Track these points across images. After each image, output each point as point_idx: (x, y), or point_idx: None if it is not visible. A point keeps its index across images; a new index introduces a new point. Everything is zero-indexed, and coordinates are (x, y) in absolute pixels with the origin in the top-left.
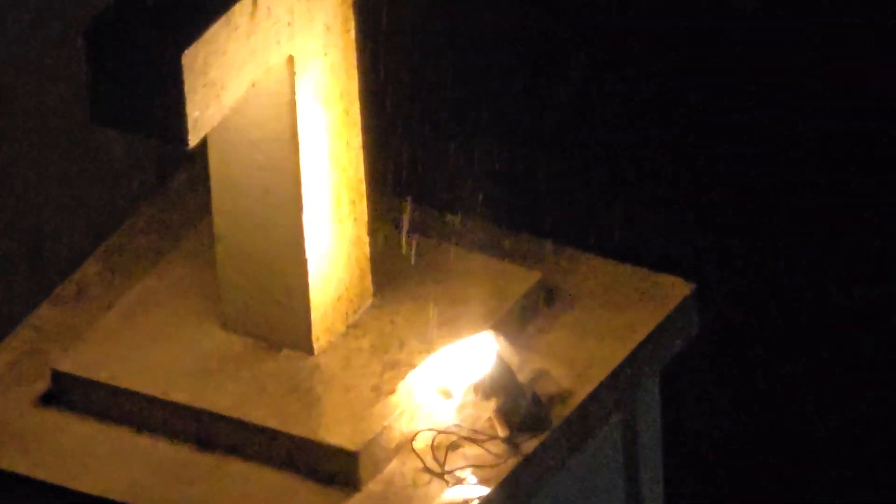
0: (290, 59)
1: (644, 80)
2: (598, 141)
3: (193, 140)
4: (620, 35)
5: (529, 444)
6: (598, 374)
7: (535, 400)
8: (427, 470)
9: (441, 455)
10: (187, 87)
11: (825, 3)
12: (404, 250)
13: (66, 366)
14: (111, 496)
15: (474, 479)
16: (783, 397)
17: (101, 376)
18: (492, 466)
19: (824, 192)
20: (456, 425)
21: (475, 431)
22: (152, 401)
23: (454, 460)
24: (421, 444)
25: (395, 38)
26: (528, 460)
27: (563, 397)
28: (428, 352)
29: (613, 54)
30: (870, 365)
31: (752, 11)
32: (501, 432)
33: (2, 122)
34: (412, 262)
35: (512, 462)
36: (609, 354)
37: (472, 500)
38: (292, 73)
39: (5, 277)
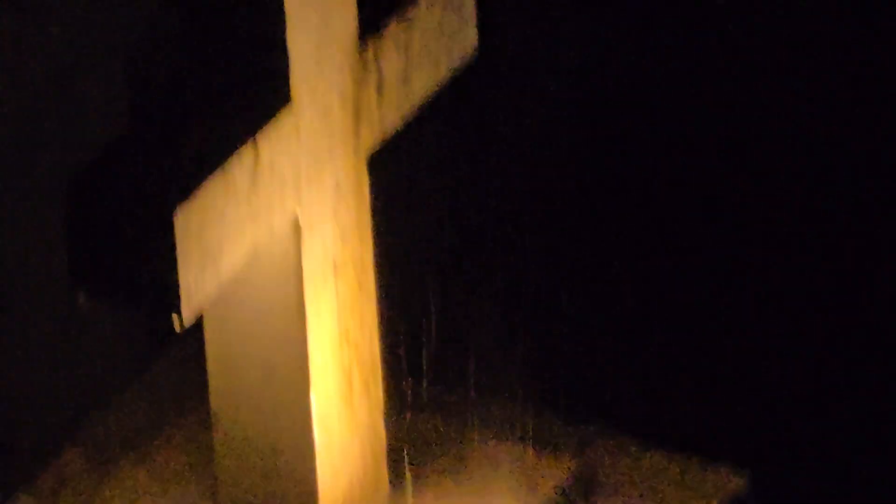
0: (297, 223)
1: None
2: (639, 321)
3: (187, 312)
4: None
5: None
6: None
7: None
8: None
9: None
10: (180, 251)
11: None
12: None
13: None
14: None
15: None
16: None
17: None
18: None
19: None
20: None
21: None
22: None
23: None
24: None
25: (412, 198)
26: None
27: None
28: None
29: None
30: None
31: None
32: None
33: None
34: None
35: None
36: None
37: None
38: (299, 238)
39: None
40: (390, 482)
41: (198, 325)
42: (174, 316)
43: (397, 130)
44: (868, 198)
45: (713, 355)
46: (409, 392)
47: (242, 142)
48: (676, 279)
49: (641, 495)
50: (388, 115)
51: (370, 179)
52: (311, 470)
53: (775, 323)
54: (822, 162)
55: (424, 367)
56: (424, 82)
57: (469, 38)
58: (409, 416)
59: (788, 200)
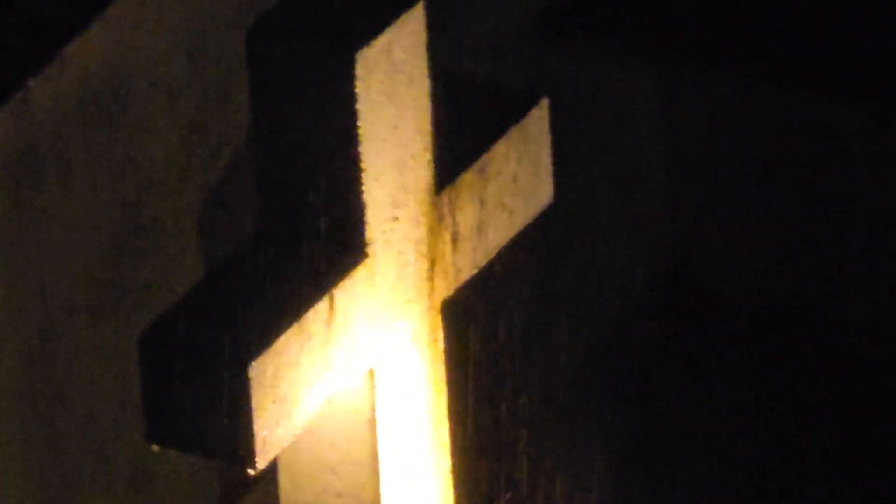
0: (371, 373)
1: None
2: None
3: (261, 463)
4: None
5: None
6: None
7: None
8: None
9: None
10: (255, 403)
11: None
12: None
13: None
14: None
15: None
16: None
17: None
18: None
19: None
20: None
21: None
22: None
23: None
24: None
25: (487, 351)
26: None
27: None
28: None
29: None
30: None
31: None
32: None
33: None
34: None
35: None
36: None
37: None
38: (373, 388)
39: None
40: None
41: (272, 477)
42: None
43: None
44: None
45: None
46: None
47: (319, 293)
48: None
49: None
50: (463, 265)
51: (444, 328)
52: None
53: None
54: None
55: None
56: (499, 233)
57: (545, 191)
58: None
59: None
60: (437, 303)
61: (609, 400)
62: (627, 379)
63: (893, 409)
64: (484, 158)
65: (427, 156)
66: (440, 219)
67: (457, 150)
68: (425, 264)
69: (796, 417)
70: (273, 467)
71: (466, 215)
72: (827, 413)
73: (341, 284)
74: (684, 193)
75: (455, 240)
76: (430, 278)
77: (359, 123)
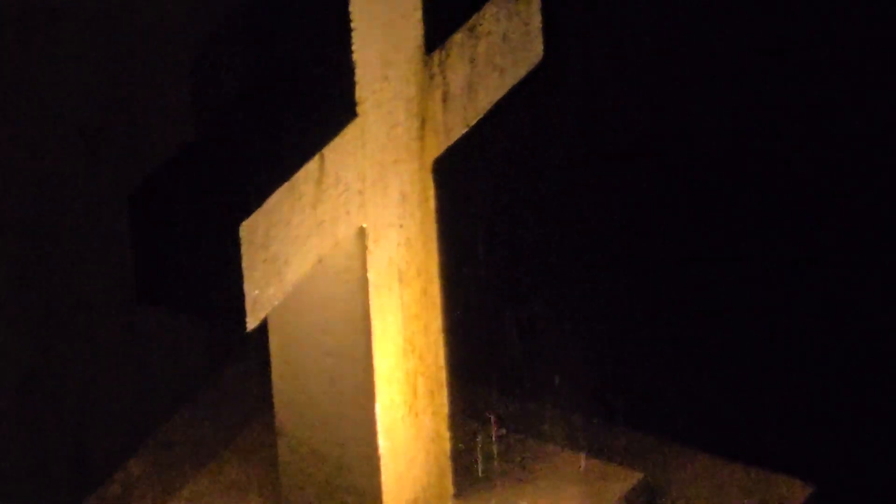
0: (362, 232)
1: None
2: (704, 334)
3: (252, 322)
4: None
5: None
6: None
7: None
8: None
9: None
10: (246, 263)
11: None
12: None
13: None
14: None
15: None
16: None
17: None
18: None
19: None
20: None
21: None
22: None
23: None
24: None
25: (478, 207)
26: None
27: None
28: None
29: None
30: None
31: None
32: None
33: (50, 319)
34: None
35: None
36: None
37: None
38: (364, 248)
39: (45, 475)
40: (455, 491)
41: (263, 335)
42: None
43: (462, 139)
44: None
45: (782, 367)
46: (474, 400)
47: (309, 153)
48: (751, 288)
49: None
50: (453, 125)
51: (435, 187)
52: (376, 479)
53: (843, 337)
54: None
55: (489, 376)
56: (490, 92)
57: (535, 50)
58: (474, 424)
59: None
60: (428, 162)
61: (601, 263)
62: (618, 237)
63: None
64: (474, 18)
65: (417, 15)
66: (431, 78)
67: (447, 9)
68: (416, 123)
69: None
70: (264, 326)
71: (457, 74)
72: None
73: (332, 144)
74: (678, 53)
75: (446, 99)
76: (421, 137)
77: None
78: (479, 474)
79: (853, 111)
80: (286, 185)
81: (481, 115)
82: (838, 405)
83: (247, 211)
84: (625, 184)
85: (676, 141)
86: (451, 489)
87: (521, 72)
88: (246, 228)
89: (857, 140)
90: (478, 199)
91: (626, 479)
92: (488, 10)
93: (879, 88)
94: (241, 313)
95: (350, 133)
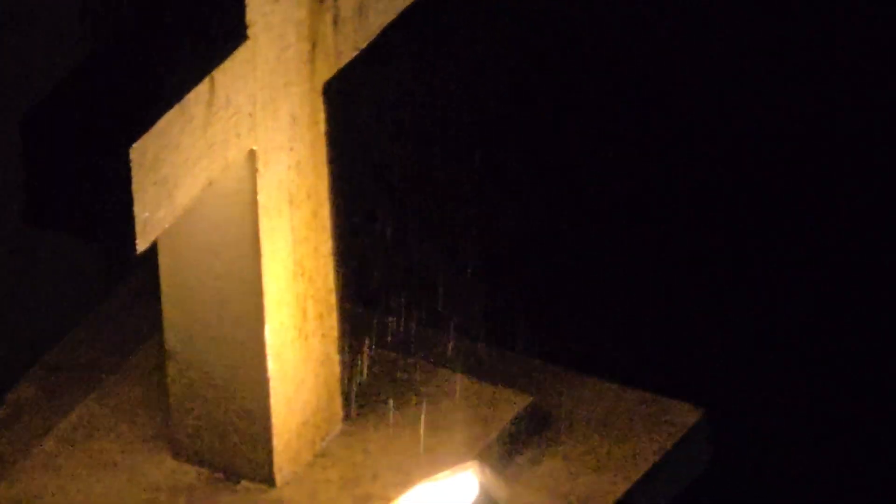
0: (252, 155)
1: (647, 199)
2: (595, 255)
3: (142, 244)
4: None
5: None
6: None
7: None
8: None
9: None
10: (135, 185)
11: None
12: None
13: None
14: None
15: None
16: None
17: None
18: None
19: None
20: None
21: None
22: None
23: None
24: None
25: (370, 128)
26: None
27: None
28: (404, 485)
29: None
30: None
31: None
32: None
33: None
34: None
35: None
36: (608, 489)
37: None
38: (254, 170)
39: None
40: (344, 414)
41: (153, 259)
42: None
43: (352, 62)
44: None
45: (671, 292)
46: (364, 323)
47: (199, 75)
48: (638, 219)
49: (597, 430)
50: (344, 48)
51: (326, 111)
52: (265, 402)
53: (735, 265)
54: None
55: (380, 299)
56: (380, 15)
57: None
58: (364, 348)
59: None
60: (319, 85)
61: (494, 182)
62: (504, 155)
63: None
64: None
65: None
66: (321, 1)
67: None
68: (306, 46)
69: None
70: (154, 249)
71: None
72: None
73: (222, 67)
74: None
75: (336, 21)
76: (311, 60)
77: None
78: (369, 398)
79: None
80: (176, 107)
81: (372, 38)
82: (728, 330)
83: (136, 133)
84: (502, 112)
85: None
86: (340, 412)
87: None
88: (136, 151)
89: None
90: (364, 123)
91: (515, 403)
92: None
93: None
94: (130, 236)
95: (240, 56)
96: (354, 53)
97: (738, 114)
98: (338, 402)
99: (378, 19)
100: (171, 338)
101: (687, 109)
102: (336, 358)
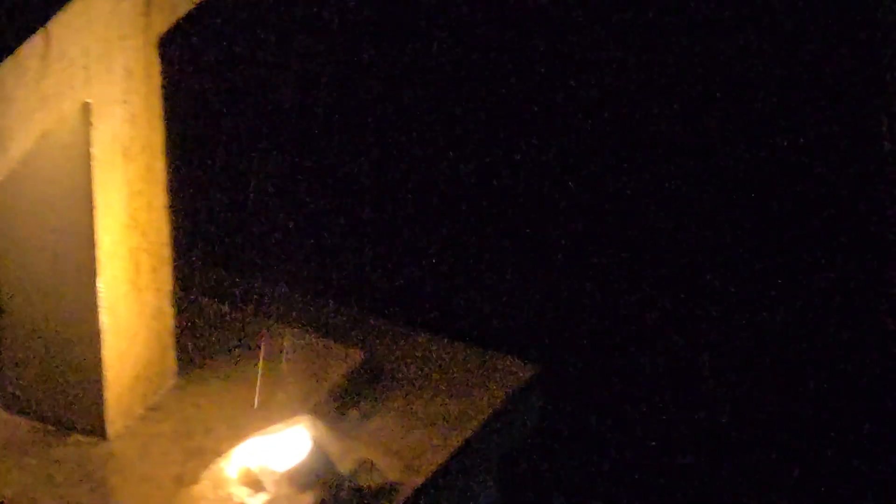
0: (86, 107)
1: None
2: (432, 211)
3: None
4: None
5: None
6: (429, 466)
7: (357, 493)
8: None
9: None
10: None
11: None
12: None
13: None
14: None
15: None
16: (638, 490)
17: None
18: None
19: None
20: None
21: None
22: None
23: None
24: None
25: (202, 84)
26: None
27: (388, 491)
28: (237, 438)
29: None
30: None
31: None
32: None
33: None
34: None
35: None
36: (441, 443)
37: None
38: (88, 123)
39: None
40: (177, 369)
41: None
42: None
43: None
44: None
45: (501, 248)
46: (198, 277)
47: (33, 28)
48: (465, 174)
49: (430, 385)
50: (179, 1)
51: (161, 65)
52: (97, 355)
53: (567, 223)
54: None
55: (213, 253)
56: None
57: None
58: (198, 301)
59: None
60: (154, 38)
61: (323, 144)
62: (345, 107)
63: None
64: None
65: None
66: None
67: None
68: (142, 0)
69: None
70: None
71: None
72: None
73: (57, 19)
74: None
75: None
76: (147, 14)
77: None
78: (203, 352)
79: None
80: (10, 59)
81: None
82: (561, 289)
83: None
84: (342, 50)
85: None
86: (173, 366)
87: None
88: None
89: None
90: (205, 73)
91: (348, 358)
92: None
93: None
94: None
95: (75, 8)
96: (190, 7)
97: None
98: (171, 356)
99: None
100: (4, 291)
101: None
102: (170, 312)
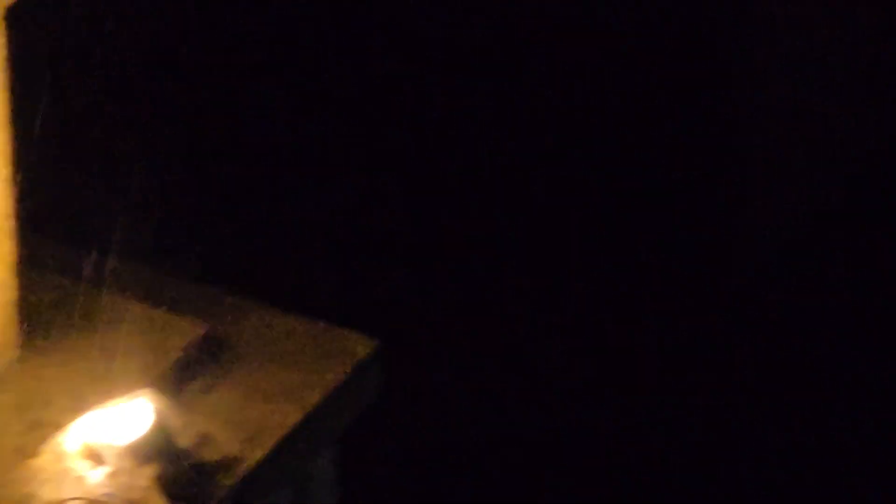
0: None
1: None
2: (274, 186)
3: None
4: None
5: None
6: (269, 440)
7: (197, 467)
8: None
9: None
10: None
11: None
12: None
13: None
14: None
15: None
16: (475, 468)
17: None
18: None
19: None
20: (108, 494)
21: (130, 501)
22: None
23: None
24: None
25: (43, 57)
26: None
27: (228, 465)
28: (77, 411)
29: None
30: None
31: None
32: (159, 502)
33: None
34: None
35: None
36: (281, 418)
37: None
38: None
39: None
40: (18, 341)
41: None
42: None
43: None
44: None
45: (344, 224)
46: (42, 250)
47: None
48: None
49: (272, 359)
50: None
51: (8, 36)
52: None
53: (405, 204)
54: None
55: (56, 226)
56: None
57: None
58: (41, 274)
59: None
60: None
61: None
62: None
63: None
64: None
65: None
66: None
67: None
68: None
69: None
70: None
71: None
72: None
73: None
74: None
75: None
76: None
77: None
78: (45, 325)
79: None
80: None
81: None
82: (402, 265)
83: None
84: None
85: None
86: (15, 339)
87: None
88: None
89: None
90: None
91: (190, 331)
92: None
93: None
94: None
95: None
96: None
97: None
98: (14, 328)
99: None
100: None
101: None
102: (11, 284)
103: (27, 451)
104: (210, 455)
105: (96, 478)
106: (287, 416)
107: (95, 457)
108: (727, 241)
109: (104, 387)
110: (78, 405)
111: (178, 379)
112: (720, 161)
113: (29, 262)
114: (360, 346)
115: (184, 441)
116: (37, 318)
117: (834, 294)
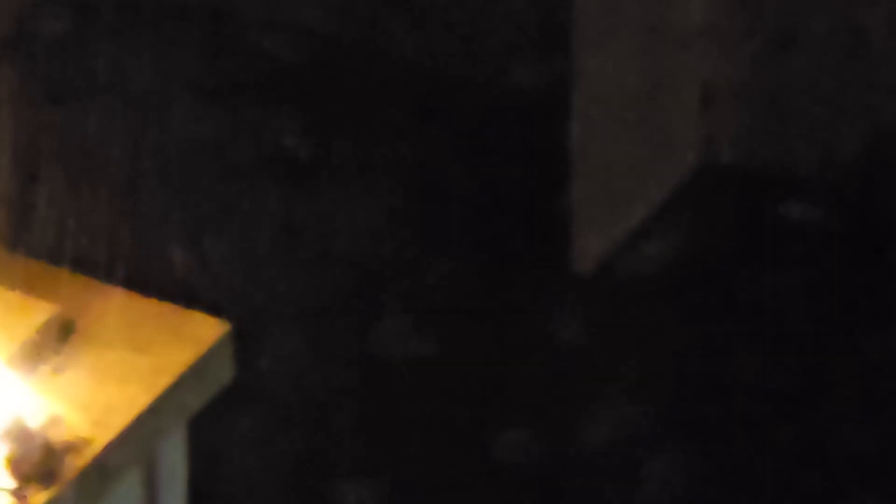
0: None
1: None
2: (127, 167)
3: None
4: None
5: (39, 498)
6: (118, 422)
7: (47, 448)
8: None
9: None
10: None
11: None
12: None
13: None
14: None
15: None
16: (327, 458)
17: None
18: None
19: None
20: None
21: None
22: None
23: None
24: None
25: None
26: None
27: (77, 446)
28: None
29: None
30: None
31: None
32: (8, 483)
33: None
34: None
35: None
36: (131, 400)
37: None
38: None
39: None
40: None
41: None
42: None
43: None
44: None
45: (196, 205)
46: None
47: None
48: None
49: (123, 341)
50: None
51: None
52: None
53: (264, 186)
54: None
55: None
56: None
57: None
58: None
59: None
60: None
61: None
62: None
63: None
64: None
65: None
66: None
67: None
68: None
69: None
70: None
71: None
72: None
73: None
74: None
75: None
76: None
77: None
78: None
79: None
80: None
81: None
82: (259, 245)
83: None
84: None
85: None
86: None
87: None
88: None
89: None
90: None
91: (40, 312)
92: None
93: None
94: None
95: None
96: None
97: None
98: None
99: None
100: None
101: None
102: None
103: None
104: (60, 436)
105: None
106: (137, 399)
107: None
108: None
109: None
110: None
111: (29, 360)
112: None
113: None
114: (213, 330)
115: (34, 422)
116: None
117: None
